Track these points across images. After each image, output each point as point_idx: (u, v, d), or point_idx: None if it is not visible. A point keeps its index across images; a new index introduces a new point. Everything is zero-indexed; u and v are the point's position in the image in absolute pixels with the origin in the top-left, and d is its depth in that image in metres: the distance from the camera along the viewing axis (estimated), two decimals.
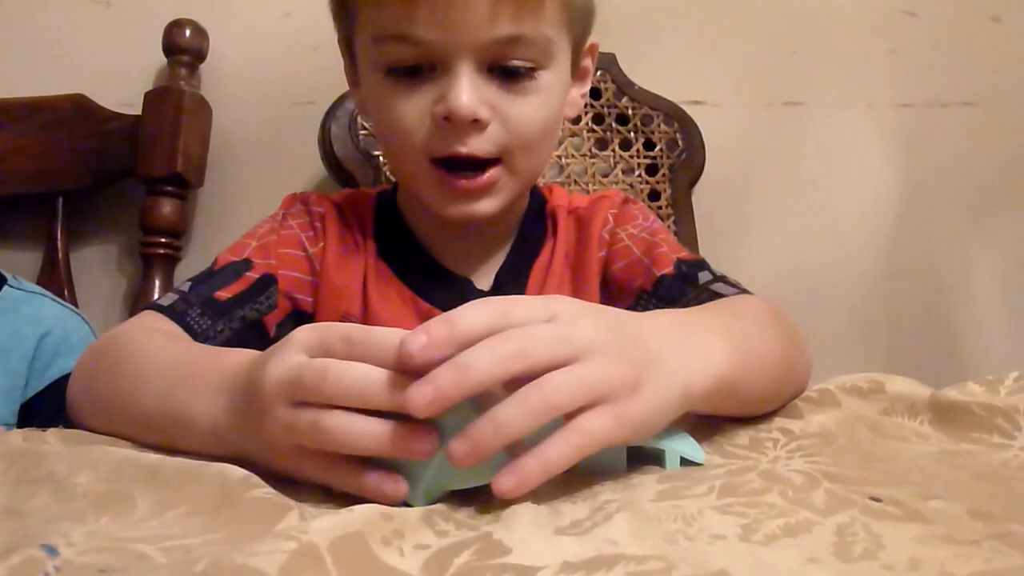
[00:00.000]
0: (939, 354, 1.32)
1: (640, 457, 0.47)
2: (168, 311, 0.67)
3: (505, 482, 0.38)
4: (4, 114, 1.13)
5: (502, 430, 0.38)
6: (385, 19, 0.66)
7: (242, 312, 0.71)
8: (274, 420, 0.42)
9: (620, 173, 1.25)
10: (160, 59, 1.17)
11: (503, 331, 0.40)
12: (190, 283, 0.71)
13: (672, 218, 1.24)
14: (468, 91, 0.65)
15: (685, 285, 0.73)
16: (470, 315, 0.40)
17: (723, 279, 0.73)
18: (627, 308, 0.76)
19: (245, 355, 0.49)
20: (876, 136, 1.37)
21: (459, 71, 0.65)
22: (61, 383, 0.81)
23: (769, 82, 1.35)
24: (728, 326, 0.53)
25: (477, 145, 0.67)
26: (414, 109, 0.67)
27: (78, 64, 1.19)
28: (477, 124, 0.66)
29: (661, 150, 1.26)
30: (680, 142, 1.27)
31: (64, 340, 0.86)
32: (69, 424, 0.59)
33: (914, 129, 1.37)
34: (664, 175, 1.26)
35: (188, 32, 1.15)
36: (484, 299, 0.42)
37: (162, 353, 0.56)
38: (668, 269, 0.75)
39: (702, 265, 0.76)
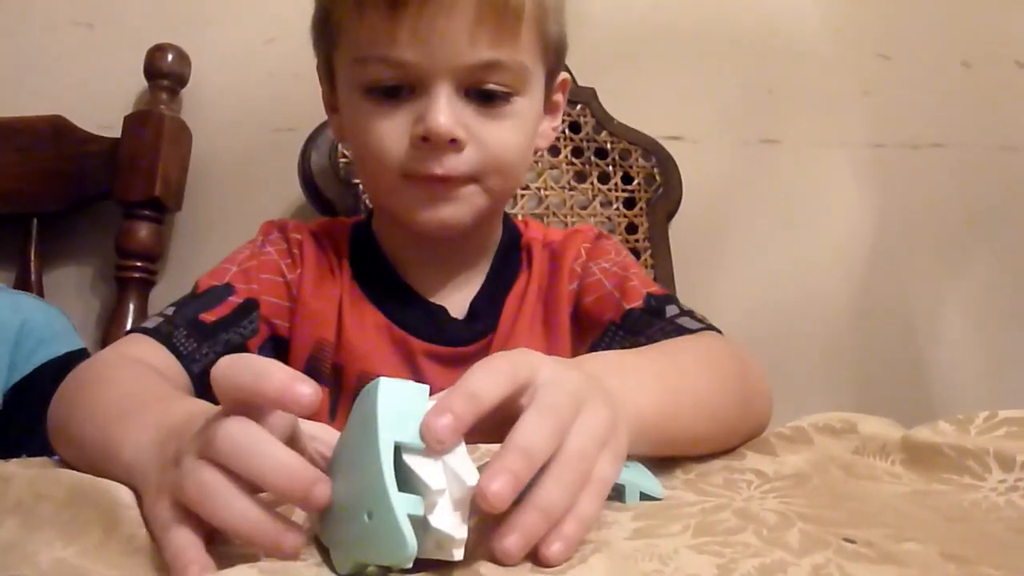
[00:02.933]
0: (910, 392, 1.33)
1: None
2: (154, 333, 0.67)
3: (555, 552, 0.37)
4: None
5: (553, 514, 0.37)
6: (366, 40, 0.68)
7: (227, 336, 0.71)
8: (176, 468, 0.39)
9: (598, 206, 1.26)
10: (141, 83, 1.17)
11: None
12: (174, 307, 0.71)
13: (649, 251, 1.25)
14: (446, 112, 0.67)
15: (652, 318, 0.74)
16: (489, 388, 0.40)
17: (690, 314, 0.74)
18: (596, 339, 0.78)
19: (200, 404, 0.47)
20: (849, 175, 1.39)
21: (438, 92, 0.67)
22: (47, 368, 0.86)
23: (746, 120, 1.37)
24: (663, 367, 0.55)
25: (453, 166, 0.69)
26: (392, 129, 0.69)
27: (58, 85, 1.19)
28: (455, 144, 0.68)
29: (639, 184, 1.27)
30: (658, 177, 1.28)
31: (48, 326, 0.90)
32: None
33: (886, 169, 1.40)
34: (641, 209, 1.27)
35: (170, 57, 1.15)
36: (480, 366, 0.42)
37: (124, 385, 0.56)
38: (637, 303, 0.76)
39: (671, 299, 0.77)
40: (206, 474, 0.37)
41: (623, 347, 0.75)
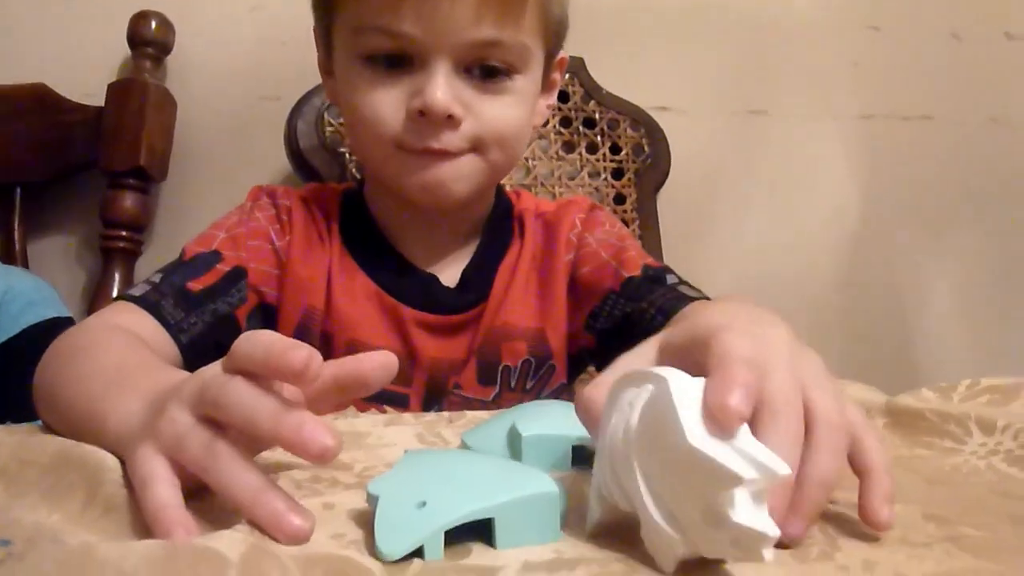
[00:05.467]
0: (895, 361, 1.34)
1: None
2: (141, 301, 0.67)
3: (795, 526, 0.34)
4: None
5: (828, 484, 0.36)
6: (369, 11, 0.67)
7: (214, 305, 0.70)
8: (169, 420, 0.38)
9: (586, 176, 1.26)
10: (125, 50, 1.15)
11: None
12: (160, 274, 0.71)
13: (637, 222, 1.25)
14: (444, 88, 0.66)
15: (653, 286, 0.75)
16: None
17: (687, 284, 0.75)
18: (593, 308, 0.78)
19: (186, 374, 0.46)
20: (838, 146, 1.39)
21: (436, 67, 0.67)
22: (34, 331, 0.88)
23: (735, 90, 1.37)
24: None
25: (449, 141, 0.69)
26: (388, 100, 0.68)
27: (40, 53, 1.17)
28: (451, 121, 0.68)
29: (627, 154, 1.27)
30: (646, 147, 1.28)
31: (35, 291, 0.93)
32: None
33: (875, 141, 1.40)
34: (630, 179, 1.27)
35: (154, 24, 1.13)
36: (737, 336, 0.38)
37: (111, 355, 0.55)
38: (636, 272, 0.77)
39: (668, 269, 0.78)
40: (208, 434, 0.36)
41: (624, 314, 0.76)
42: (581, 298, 0.79)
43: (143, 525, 0.36)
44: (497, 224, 0.82)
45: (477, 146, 0.70)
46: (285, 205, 0.78)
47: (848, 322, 1.36)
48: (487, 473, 0.39)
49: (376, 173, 0.78)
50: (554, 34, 0.74)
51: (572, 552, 0.34)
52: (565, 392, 0.82)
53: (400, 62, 0.68)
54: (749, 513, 0.30)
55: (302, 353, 0.35)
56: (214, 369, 0.39)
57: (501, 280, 0.79)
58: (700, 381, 0.34)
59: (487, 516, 0.35)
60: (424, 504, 0.35)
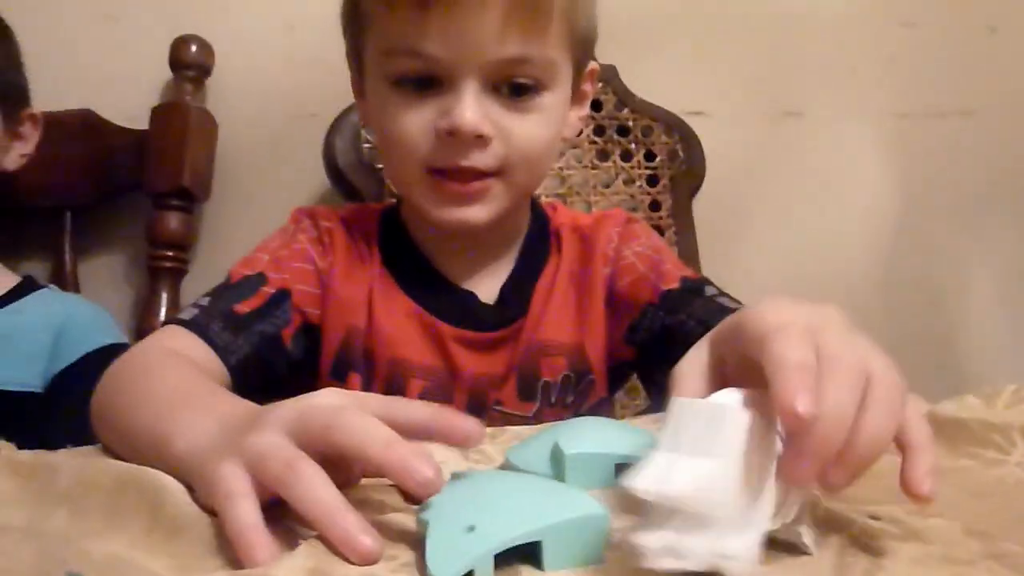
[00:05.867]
0: (938, 363, 1.33)
1: None
2: (191, 325, 0.69)
3: (837, 475, 0.35)
4: None
5: (880, 440, 0.36)
6: (396, 33, 0.68)
7: (261, 327, 0.72)
8: (259, 437, 0.40)
9: (621, 184, 1.26)
10: (166, 74, 1.18)
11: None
12: (208, 297, 0.73)
13: (673, 228, 1.25)
14: (473, 108, 0.67)
15: (692, 297, 0.76)
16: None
17: (726, 295, 0.76)
18: (632, 321, 0.79)
19: (249, 403, 0.49)
20: (874, 146, 1.38)
21: (464, 88, 0.67)
22: (91, 357, 0.92)
23: (768, 93, 1.36)
24: None
25: (478, 160, 0.69)
26: (418, 122, 0.69)
27: (86, 79, 1.20)
28: (480, 140, 0.68)
29: (662, 161, 1.27)
30: (680, 152, 1.28)
31: (93, 319, 0.98)
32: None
33: (911, 139, 1.38)
34: (665, 185, 1.27)
35: (194, 48, 1.16)
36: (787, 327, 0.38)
37: (170, 378, 0.57)
38: (674, 284, 0.77)
39: (706, 281, 0.79)
40: (297, 452, 0.39)
41: (664, 326, 0.77)
42: (620, 312, 0.80)
43: (210, 547, 0.38)
44: (534, 239, 0.83)
45: (504, 168, 0.71)
46: (326, 227, 0.80)
47: (889, 323, 1.34)
48: (533, 495, 0.40)
49: (407, 196, 0.79)
50: (581, 46, 0.74)
51: (618, 572, 0.35)
52: (606, 405, 0.82)
53: (429, 83, 0.69)
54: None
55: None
56: (316, 400, 0.42)
57: (539, 295, 0.79)
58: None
59: (536, 539, 0.36)
60: (473, 528, 0.36)
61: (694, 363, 0.43)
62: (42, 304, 0.97)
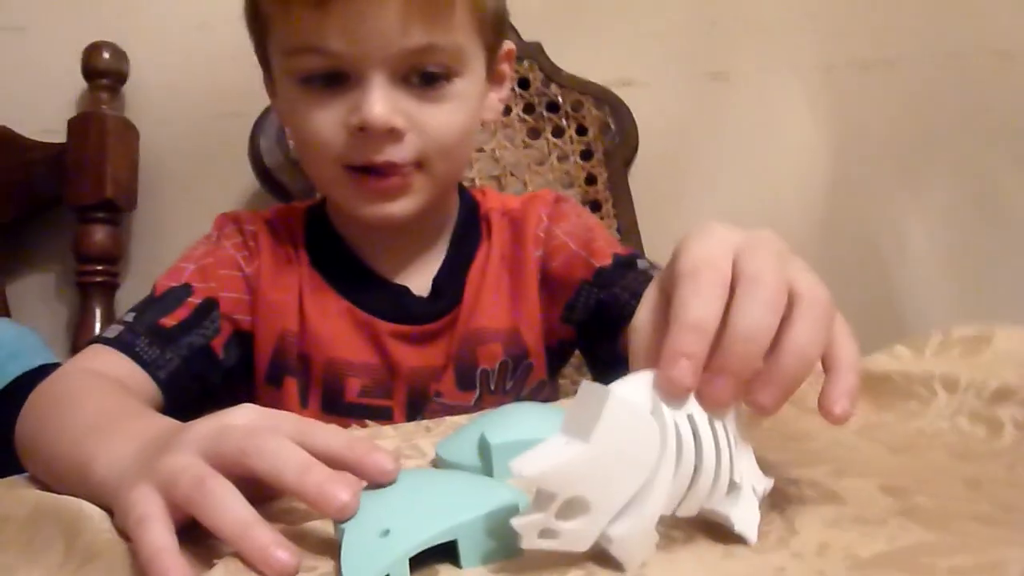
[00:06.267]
0: (877, 314, 1.34)
1: None
2: (116, 343, 0.67)
3: (765, 394, 0.35)
4: None
5: (807, 357, 0.35)
6: (296, 32, 0.67)
7: (188, 339, 0.71)
8: (171, 459, 0.39)
9: (555, 160, 1.26)
10: (81, 83, 1.15)
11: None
12: (133, 313, 0.71)
13: (610, 201, 1.25)
14: (382, 101, 0.66)
15: (626, 271, 0.77)
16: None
17: (658, 267, 0.76)
18: (568, 300, 0.79)
19: (173, 422, 0.47)
20: (802, 101, 1.39)
21: (372, 81, 0.66)
22: (22, 380, 0.87)
23: (694, 57, 1.36)
24: None
25: (394, 153, 0.68)
26: (329, 119, 0.68)
27: None
28: (393, 134, 0.67)
29: (594, 134, 1.27)
30: (612, 124, 1.28)
31: (19, 340, 0.92)
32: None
33: (838, 91, 1.39)
34: (599, 159, 1.27)
35: (107, 54, 1.13)
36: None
37: (93, 402, 0.56)
38: (607, 261, 0.78)
39: (638, 255, 0.80)
40: (207, 471, 0.37)
41: (598, 301, 0.77)
42: (555, 292, 0.80)
43: (126, 571, 0.37)
44: (464, 227, 0.82)
45: (422, 160, 0.70)
46: (251, 231, 0.79)
47: (827, 275, 1.33)
48: (449, 492, 0.39)
49: (328, 194, 0.79)
50: (491, 28, 0.73)
51: (535, 563, 0.35)
52: (547, 387, 0.82)
53: (337, 79, 0.68)
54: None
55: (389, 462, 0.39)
56: (231, 419, 0.41)
57: (472, 284, 0.79)
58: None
59: (450, 537, 0.35)
60: (387, 532, 0.35)
61: (644, 315, 0.40)
62: None
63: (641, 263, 0.78)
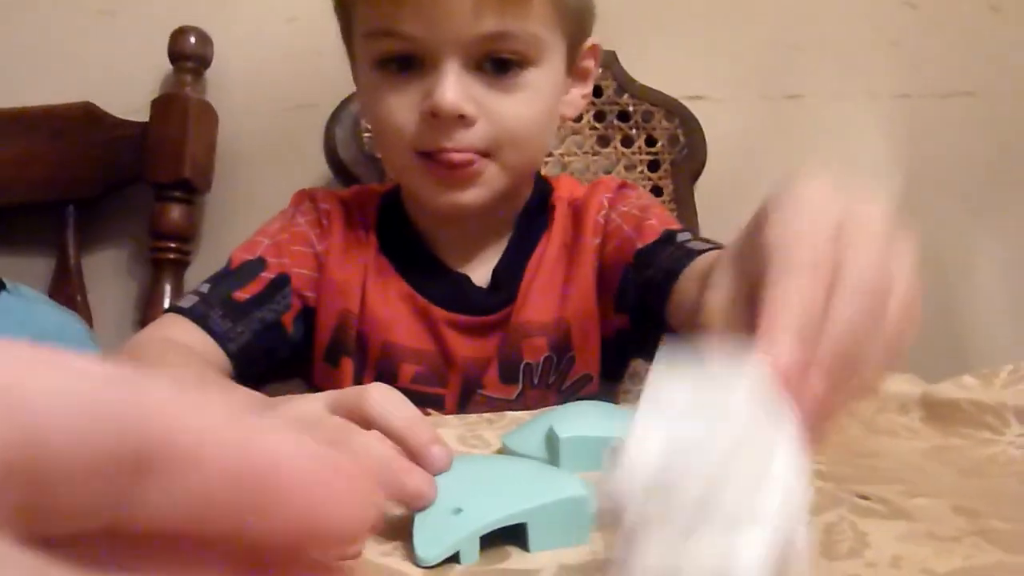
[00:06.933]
0: (942, 344, 1.32)
1: None
2: (190, 313, 0.69)
3: (814, 379, 0.29)
4: (14, 123, 1.15)
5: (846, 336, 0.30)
6: (374, 15, 0.68)
7: (260, 313, 0.72)
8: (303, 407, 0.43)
9: (622, 170, 1.26)
10: (166, 66, 1.18)
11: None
12: (208, 284, 0.73)
13: (675, 213, 1.25)
14: (453, 87, 0.66)
15: (663, 248, 0.72)
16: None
17: (703, 240, 0.71)
18: (617, 287, 0.75)
19: (253, 392, 0.51)
20: (875, 127, 1.37)
21: (445, 67, 0.66)
22: None
23: (769, 75, 1.36)
24: None
25: (463, 140, 0.68)
26: (403, 104, 0.69)
27: (85, 73, 1.20)
28: (463, 120, 0.67)
29: (663, 146, 1.27)
30: (681, 138, 1.27)
31: (62, 330, 0.86)
32: None
33: (914, 119, 1.37)
34: (666, 171, 1.27)
35: (192, 39, 1.16)
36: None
37: (166, 368, 0.58)
38: (650, 240, 0.74)
39: (687, 230, 0.75)
40: (340, 420, 0.41)
41: (638, 284, 0.72)
42: (608, 279, 0.77)
43: None
44: (530, 217, 0.81)
45: (492, 149, 0.70)
46: (325, 209, 0.80)
47: None
48: (521, 477, 0.40)
49: (400, 180, 0.79)
50: (573, 20, 0.72)
51: (602, 551, 0.35)
52: (591, 383, 0.79)
53: (412, 64, 0.68)
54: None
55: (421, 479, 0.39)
56: (313, 406, 0.43)
57: (528, 275, 0.78)
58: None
59: (520, 520, 0.36)
60: (460, 511, 0.36)
61: (717, 294, 0.34)
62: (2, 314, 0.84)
63: (681, 236, 0.72)
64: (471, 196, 0.71)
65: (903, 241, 0.34)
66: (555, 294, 0.78)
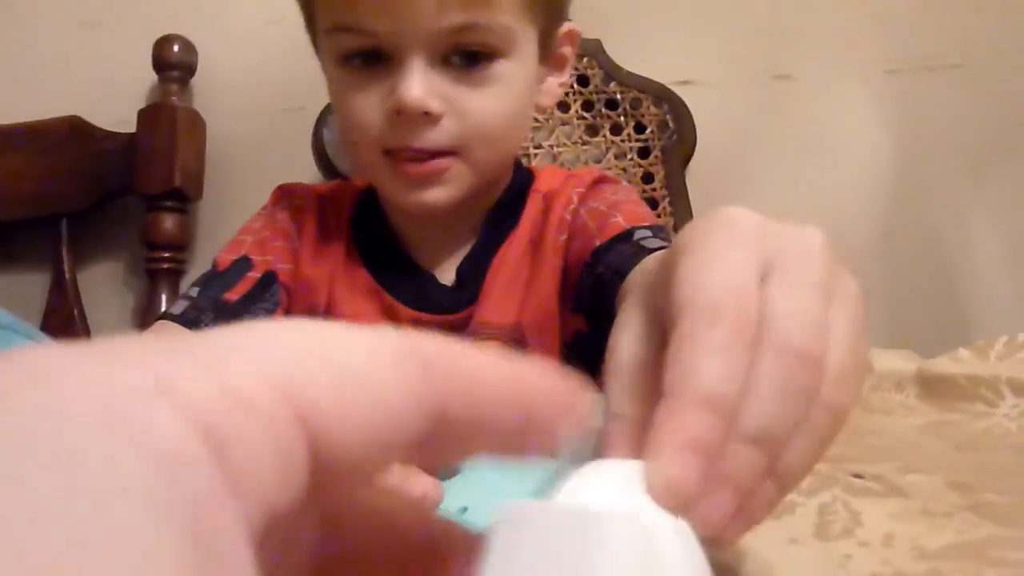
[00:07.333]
0: (941, 316, 1.33)
1: None
2: (181, 319, 0.69)
3: (714, 504, 0.23)
4: (1, 141, 1.15)
5: (768, 437, 0.23)
6: (335, 10, 0.66)
7: (251, 314, 0.72)
8: None
9: (612, 158, 1.26)
10: (151, 76, 1.18)
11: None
12: (197, 287, 0.72)
13: (667, 199, 1.25)
14: (418, 84, 0.64)
15: (618, 245, 0.67)
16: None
17: (661, 236, 0.67)
18: (574, 290, 0.72)
19: None
20: (867, 104, 1.37)
21: (410, 63, 0.64)
22: None
23: (757, 57, 1.35)
24: None
25: (430, 138, 0.66)
26: (368, 101, 0.67)
27: (71, 86, 1.21)
28: (429, 117, 0.65)
29: (652, 132, 1.27)
30: (671, 123, 1.27)
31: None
32: None
33: (905, 94, 1.37)
34: (657, 157, 1.26)
35: (176, 47, 1.16)
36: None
37: None
38: (612, 236, 0.68)
39: (650, 226, 0.69)
40: None
41: (591, 285, 0.68)
42: (570, 279, 0.73)
43: None
44: (502, 213, 0.77)
45: (460, 147, 0.67)
46: (299, 204, 0.79)
47: (891, 278, 1.34)
48: (529, 479, 0.40)
49: (370, 179, 0.78)
50: (546, 6, 0.69)
51: None
52: None
53: (376, 60, 0.66)
54: None
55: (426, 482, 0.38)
56: None
57: (491, 274, 0.75)
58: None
59: None
60: (466, 509, 0.36)
61: (625, 344, 0.28)
62: None
63: (640, 233, 0.66)
64: (438, 195, 0.69)
65: (845, 283, 0.27)
66: (515, 294, 0.74)
